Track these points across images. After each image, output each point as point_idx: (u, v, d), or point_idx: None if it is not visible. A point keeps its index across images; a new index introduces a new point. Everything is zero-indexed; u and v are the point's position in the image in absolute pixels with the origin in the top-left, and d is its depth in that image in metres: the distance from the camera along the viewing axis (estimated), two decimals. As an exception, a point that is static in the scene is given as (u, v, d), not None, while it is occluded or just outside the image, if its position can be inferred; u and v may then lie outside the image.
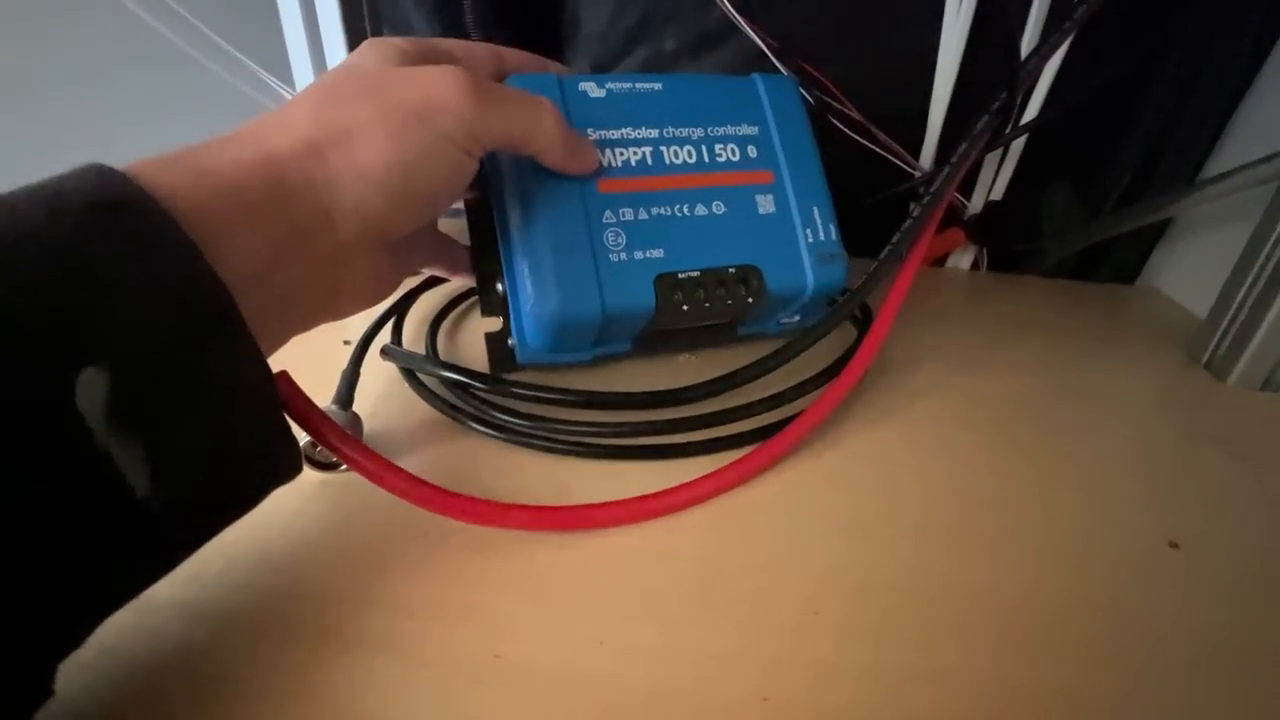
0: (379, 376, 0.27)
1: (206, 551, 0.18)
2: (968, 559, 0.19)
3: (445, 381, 0.25)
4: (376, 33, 0.32)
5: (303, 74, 0.32)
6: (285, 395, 0.16)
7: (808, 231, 0.26)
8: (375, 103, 0.18)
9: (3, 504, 0.10)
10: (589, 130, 0.24)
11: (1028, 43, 0.33)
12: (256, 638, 0.16)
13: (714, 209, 0.25)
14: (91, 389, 0.11)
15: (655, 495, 0.20)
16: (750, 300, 0.25)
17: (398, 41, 0.20)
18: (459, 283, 0.33)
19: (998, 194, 0.38)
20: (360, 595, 0.17)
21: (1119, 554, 0.20)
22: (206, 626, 0.16)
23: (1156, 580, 0.19)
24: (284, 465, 0.15)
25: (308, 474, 0.21)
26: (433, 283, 0.33)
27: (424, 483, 0.18)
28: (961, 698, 0.16)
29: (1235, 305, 0.29)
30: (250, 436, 0.14)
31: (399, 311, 0.30)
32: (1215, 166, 0.36)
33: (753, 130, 0.27)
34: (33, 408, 0.11)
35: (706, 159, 0.26)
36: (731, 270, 0.25)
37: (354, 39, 0.30)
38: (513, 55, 0.25)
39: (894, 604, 0.18)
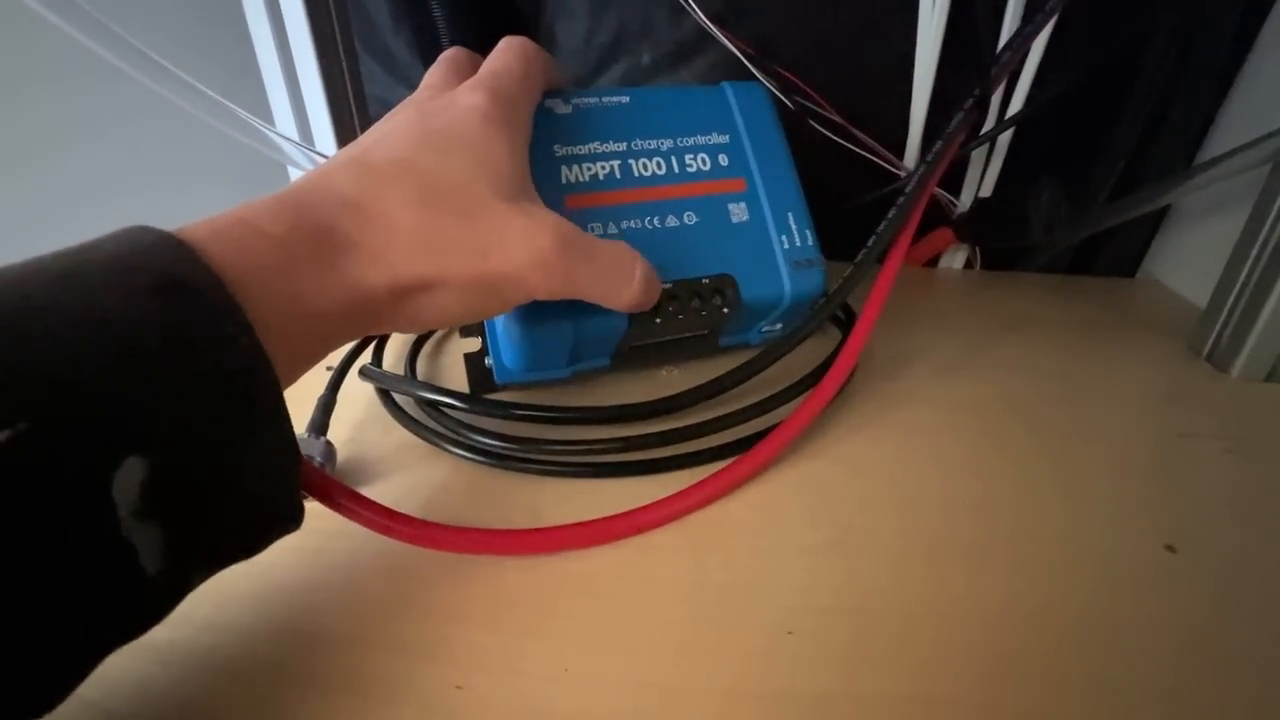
0: (359, 401, 0.27)
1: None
2: (949, 575, 0.19)
3: (421, 403, 0.25)
4: (350, 52, 0.32)
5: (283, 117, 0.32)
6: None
7: (783, 238, 0.26)
8: (469, 259, 0.17)
9: (17, 571, 0.10)
10: (555, 147, 0.24)
11: (1008, 33, 0.33)
12: (218, 678, 0.16)
13: (685, 220, 0.25)
14: (130, 478, 0.11)
15: (622, 515, 0.19)
16: (726, 310, 0.25)
17: (481, 96, 0.20)
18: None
19: (987, 191, 0.37)
20: (325, 631, 0.17)
21: (1112, 562, 0.19)
22: (168, 667, 0.16)
23: (1150, 588, 0.18)
24: (290, 523, 0.16)
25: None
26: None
27: (379, 509, 0.18)
28: None
29: (1234, 294, 0.28)
30: (266, 511, 0.15)
31: (381, 335, 0.30)
32: (1211, 151, 0.35)
33: (723, 139, 0.27)
34: (71, 490, 0.11)
35: (676, 170, 0.26)
36: (705, 281, 0.25)
37: (327, 67, 0.31)
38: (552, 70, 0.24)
39: (872, 625, 0.17)
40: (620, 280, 0.21)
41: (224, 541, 0.14)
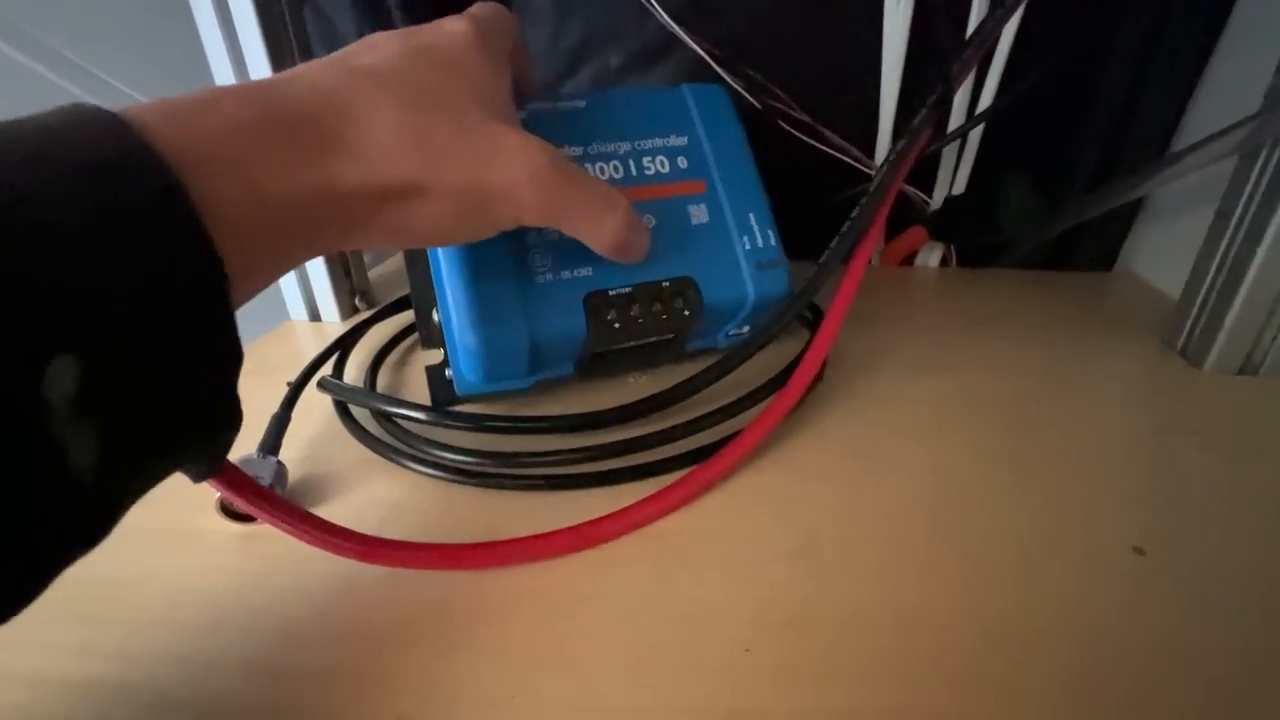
0: (317, 417, 0.26)
1: (109, 617, 0.17)
2: (911, 583, 0.18)
3: (379, 417, 0.25)
4: (305, 49, 0.31)
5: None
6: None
7: (745, 239, 0.26)
8: (462, 164, 0.17)
9: None
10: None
11: (972, 29, 0.32)
12: (145, 714, 0.15)
13: (645, 222, 0.25)
14: (61, 378, 0.10)
15: (574, 528, 0.19)
16: (688, 314, 0.24)
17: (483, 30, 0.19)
18: (408, 317, 0.32)
19: (959, 188, 0.37)
20: (265, 660, 0.16)
21: (1082, 563, 0.18)
22: (110, 708, 0.16)
23: (1120, 589, 0.18)
24: (228, 429, 0.14)
25: (225, 527, 0.20)
26: (380, 317, 0.32)
27: (323, 524, 0.17)
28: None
29: (1205, 287, 0.28)
30: (203, 416, 0.13)
31: (343, 347, 0.30)
32: (1184, 141, 0.35)
33: (681, 141, 0.26)
34: None
35: (634, 172, 0.25)
36: (665, 284, 0.24)
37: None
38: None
39: (837, 638, 0.17)
40: (605, 210, 0.20)
41: (158, 448, 0.13)
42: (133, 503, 0.12)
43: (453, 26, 0.19)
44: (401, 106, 0.16)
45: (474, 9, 0.21)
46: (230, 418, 0.14)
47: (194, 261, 0.12)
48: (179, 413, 0.12)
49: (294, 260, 0.16)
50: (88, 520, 0.11)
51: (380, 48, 0.18)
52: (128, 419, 0.11)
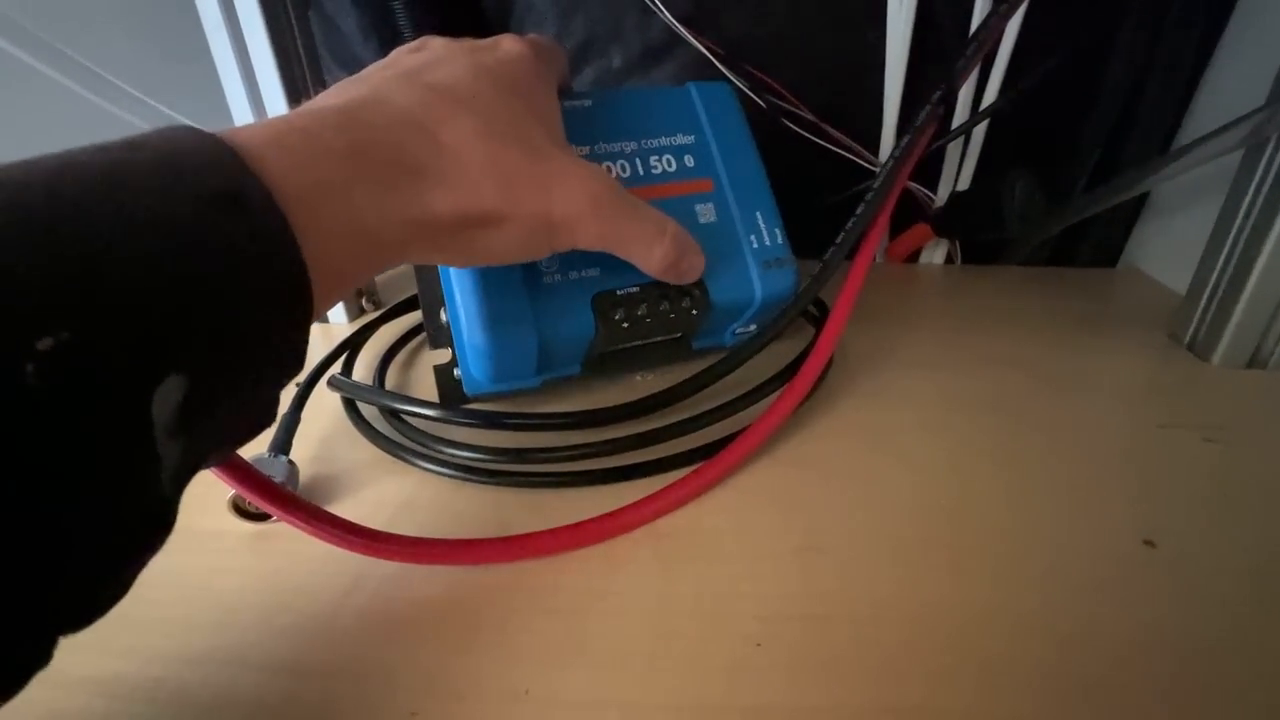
0: (324, 418, 0.26)
1: (124, 622, 0.18)
2: (923, 579, 0.18)
3: (387, 414, 0.25)
4: (313, 63, 0.31)
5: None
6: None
7: (752, 238, 0.26)
8: (536, 196, 0.17)
9: (51, 486, 0.10)
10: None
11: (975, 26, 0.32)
12: (163, 712, 0.15)
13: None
14: (168, 396, 0.10)
15: (582, 524, 0.19)
16: (695, 313, 0.24)
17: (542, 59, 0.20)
18: (415, 317, 0.32)
19: (963, 184, 0.37)
20: (278, 659, 0.17)
21: (1091, 558, 0.18)
22: (127, 704, 0.16)
23: (1129, 583, 0.18)
24: (265, 426, 0.14)
25: (237, 526, 0.20)
26: (387, 318, 0.32)
27: (335, 521, 0.17)
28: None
29: (1212, 281, 0.28)
30: (251, 422, 0.14)
31: (351, 347, 0.30)
32: (1187, 137, 0.35)
33: (688, 139, 0.26)
34: (112, 406, 0.10)
35: (641, 171, 0.25)
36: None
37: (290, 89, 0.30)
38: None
39: (849, 634, 0.17)
40: (657, 236, 0.21)
41: (216, 454, 0.13)
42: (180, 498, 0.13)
43: (512, 47, 0.19)
44: (485, 137, 0.17)
45: (530, 36, 0.21)
46: (272, 419, 0.14)
47: (289, 292, 0.12)
48: (242, 424, 0.13)
49: (371, 276, 0.16)
50: (163, 521, 0.12)
51: (447, 64, 0.18)
52: (206, 433, 0.12)
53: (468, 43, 0.19)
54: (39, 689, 0.16)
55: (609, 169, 0.25)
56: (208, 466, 0.13)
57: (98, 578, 0.11)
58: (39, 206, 0.10)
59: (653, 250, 0.21)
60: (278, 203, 0.12)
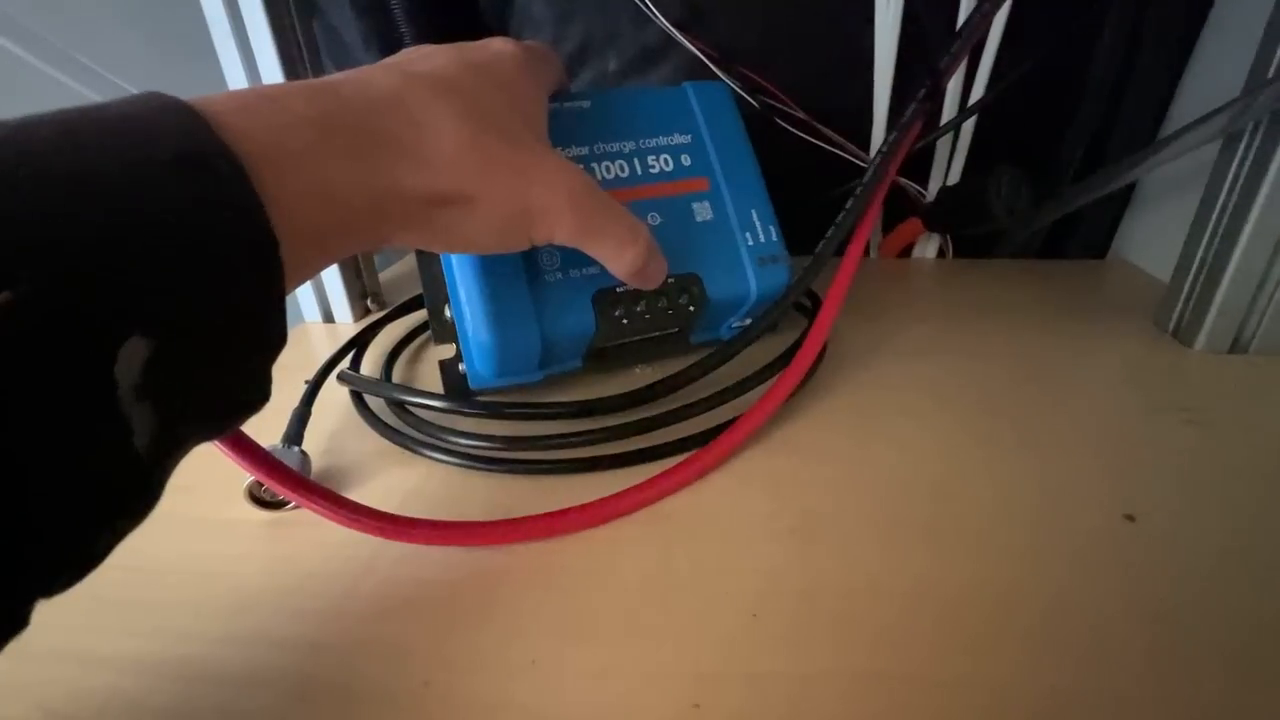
0: (334, 412, 0.27)
1: (151, 605, 0.18)
2: (912, 554, 0.19)
3: (394, 406, 0.26)
4: (318, 69, 0.32)
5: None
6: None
7: (747, 235, 0.27)
8: (512, 183, 0.18)
9: (12, 446, 0.10)
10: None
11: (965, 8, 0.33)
12: (191, 686, 0.16)
13: (650, 220, 0.26)
14: (132, 358, 0.11)
15: (585, 506, 0.20)
16: (693, 309, 0.25)
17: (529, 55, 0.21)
18: (418, 317, 0.33)
19: (953, 179, 0.38)
20: (296, 636, 0.17)
21: (1073, 532, 0.19)
22: (153, 681, 0.16)
23: (1109, 555, 0.18)
24: (259, 405, 0.14)
25: (254, 514, 0.21)
26: (391, 317, 0.33)
27: (348, 504, 0.18)
28: (902, 696, 0.15)
29: (1194, 269, 0.29)
30: (241, 394, 0.14)
31: (359, 345, 0.31)
32: (1171, 129, 0.36)
33: (685, 139, 0.27)
34: (73, 363, 0.10)
35: (639, 171, 0.26)
36: (671, 280, 0.25)
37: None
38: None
39: (839, 607, 0.17)
40: (629, 238, 0.21)
41: (202, 425, 0.13)
42: (169, 474, 0.13)
43: (501, 47, 0.20)
44: (462, 118, 0.17)
45: (523, 41, 0.22)
46: (264, 397, 0.14)
47: (256, 254, 0.13)
48: (225, 393, 0.13)
49: (344, 252, 0.16)
50: (143, 493, 0.12)
51: (434, 58, 0.19)
52: (182, 398, 0.12)
53: (459, 44, 0.20)
54: (67, 666, 0.17)
55: (608, 169, 0.26)
56: (200, 441, 0.13)
57: (67, 540, 0.11)
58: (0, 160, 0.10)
59: (624, 252, 0.21)
60: (243, 165, 0.12)
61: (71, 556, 0.11)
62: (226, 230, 0.12)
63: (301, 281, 0.15)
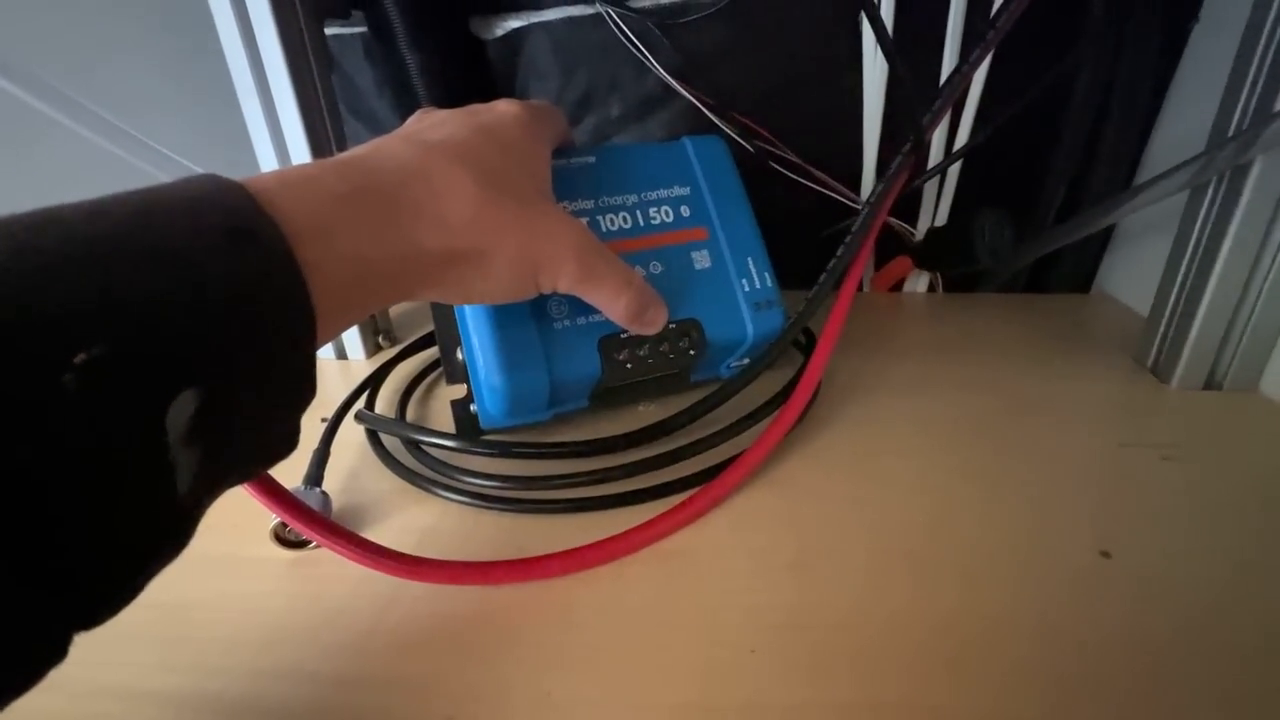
0: (350, 451, 0.28)
1: (185, 641, 0.20)
2: (899, 589, 0.20)
3: (409, 445, 0.27)
4: (334, 116, 0.34)
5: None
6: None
7: (743, 281, 0.28)
8: (521, 238, 0.20)
9: (71, 490, 0.11)
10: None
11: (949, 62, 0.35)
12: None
13: (651, 269, 0.27)
14: (182, 409, 0.12)
15: (594, 545, 0.21)
16: (692, 353, 0.27)
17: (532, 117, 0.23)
18: (429, 354, 0.35)
19: (942, 220, 0.40)
20: (324, 672, 0.18)
21: (1051, 568, 0.21)
22: (193, 715, 0.17)
23: (1085, 590, 0.20)
24: (288, 451, 0.16)
25: (278, 553, 0.22)
26: (403, 356, 0.35)
27: (370, 545, 0.19)
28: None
29: (1169, 308, 0.30)
30: (275, 442, 0.15)
31: (374, 383, 0.32)
32: (1148, 172, 0.37)
33: (684, 190, 0.29)
34: (133, 414, 0.11)
35: (641, 223, 0.28)
36: (672, 325, 0.26)
37: (313, 132, 0.33)
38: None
39: (834, 639, 0.19)
40: (624, 286, 0.23)
41: (234, 467, 0.15)
42: (203, 516, 0.14)
43: (507, 109, 0.22)
44: (477, 183, 0.19)
45: (528, 101, 0.24)
46: (292, 446, 0.16)
47: (296, 317, 0.14)
48: (260, 442, 0.15)
49: (369, 310, 0.18)
50: (179, 533, 0.13)
51: (446, 125, 0.21)
52: (222, 447, 0.13)
53: (469, 108, 0.22)
54: (109, 703, 0.18)
55: (612, 220, 0.27)
56: (231, 485, 0.15)
57: (109, 574, 0.12)
58: (83, 239, 0.12)
59: (619, 299, 0.23)
60: (287, 239, 0.14)
61: (111, 590, 0.13)
62: (270, 296, 0.14)
63: (328, 340, 0.17)
